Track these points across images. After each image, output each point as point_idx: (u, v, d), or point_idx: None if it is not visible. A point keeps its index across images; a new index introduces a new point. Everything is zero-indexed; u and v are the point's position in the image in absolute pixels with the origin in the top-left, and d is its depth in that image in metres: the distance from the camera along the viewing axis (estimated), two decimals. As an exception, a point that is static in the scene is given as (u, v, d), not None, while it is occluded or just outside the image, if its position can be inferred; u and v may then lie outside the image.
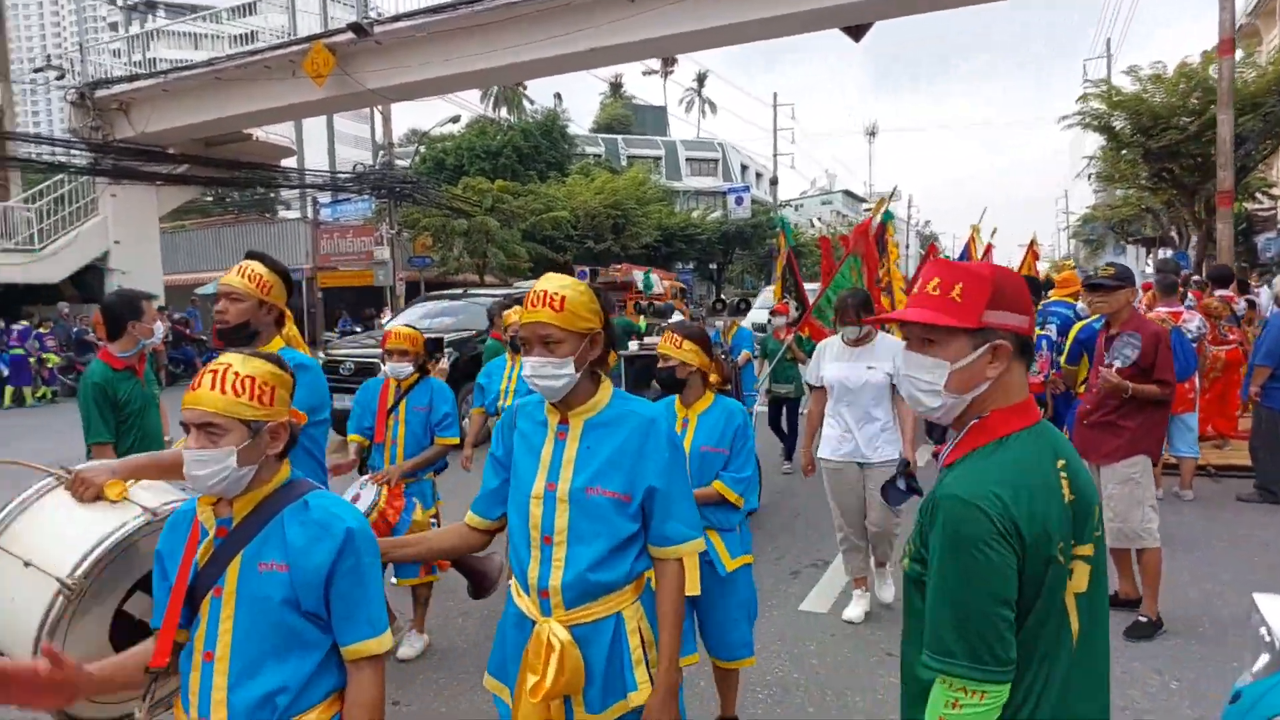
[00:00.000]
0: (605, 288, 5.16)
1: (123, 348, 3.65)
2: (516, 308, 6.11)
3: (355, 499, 3.86)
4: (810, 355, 6.09)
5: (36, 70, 23.15)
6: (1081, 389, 5.37)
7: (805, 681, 3.89)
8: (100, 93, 18.74)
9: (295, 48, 16.62)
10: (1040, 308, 6.83)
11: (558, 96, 56.13)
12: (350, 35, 15.75)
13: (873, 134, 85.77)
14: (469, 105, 40.22)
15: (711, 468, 3.16)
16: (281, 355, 2.14)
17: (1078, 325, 5.70)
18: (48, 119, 67.55)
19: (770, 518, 6.69)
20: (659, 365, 3.30)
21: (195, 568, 1.70)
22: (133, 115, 18.80)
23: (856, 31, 15.08)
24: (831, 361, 4.63)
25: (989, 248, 14.51)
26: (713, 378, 3.29)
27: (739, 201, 43.34)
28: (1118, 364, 4.32)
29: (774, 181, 52.36)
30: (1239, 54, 21.69)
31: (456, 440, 4.27)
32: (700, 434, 3.21)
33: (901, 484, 3.97)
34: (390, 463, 4.14)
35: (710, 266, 44.08)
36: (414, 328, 4.40)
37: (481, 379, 5.64)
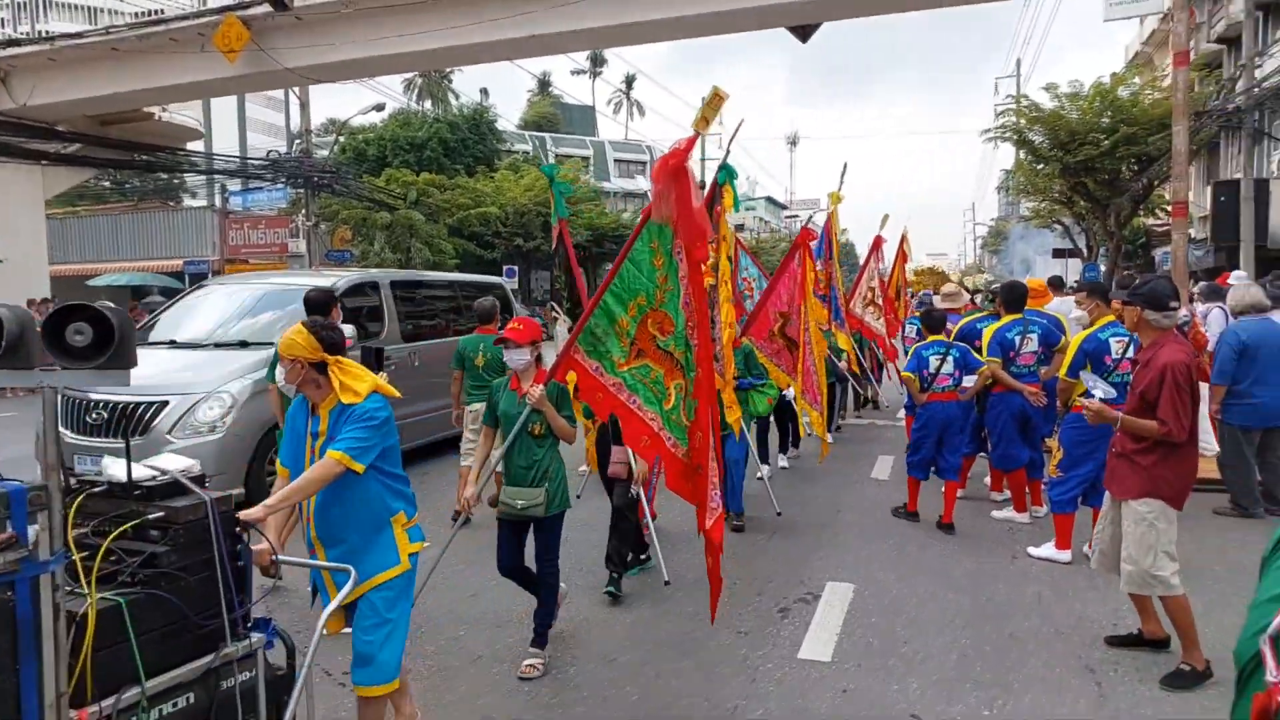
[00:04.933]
0: None
1: None
2: None
3: None
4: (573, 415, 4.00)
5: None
6: (1078, 402, 5.02)
7: (827, 756, 3.31)
8: (-25, 59, 16.88)
9: (205, 19, 15.27)
10: (1020, 317, 6.46)
11: (484, 91, 54.85)
12: (267, 8, 14.50)
13: (794, 143, 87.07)
14: (391, 95, 38.62)
15: None
16: None
17: (1082, 334, 5.32)
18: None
19: (739, 544, 6.12)
20: None
21: None
22: (12, 85, 16.99)
23: (804, 31, 14.77)
24: None
25: (878, 241, 12.31)
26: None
27: (668, 203, 42.93)
28: (1098, 394, 4.29)
29: (700, 186, 52.18)
30: (1137, 80, 22.54)
31: None
32: None
33: None
34: None
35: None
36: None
37: None
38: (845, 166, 9.83)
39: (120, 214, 30.46)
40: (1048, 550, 5.52)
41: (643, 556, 5.54)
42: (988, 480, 7.46)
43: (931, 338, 6.66)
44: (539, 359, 4.18)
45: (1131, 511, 3.95)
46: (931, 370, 6.45)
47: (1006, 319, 6.45)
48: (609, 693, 3.86)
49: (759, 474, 7.67)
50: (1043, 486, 6.75)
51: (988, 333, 6.45)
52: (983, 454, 7.43)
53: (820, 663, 4.13)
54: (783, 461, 8.69)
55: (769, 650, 4.28)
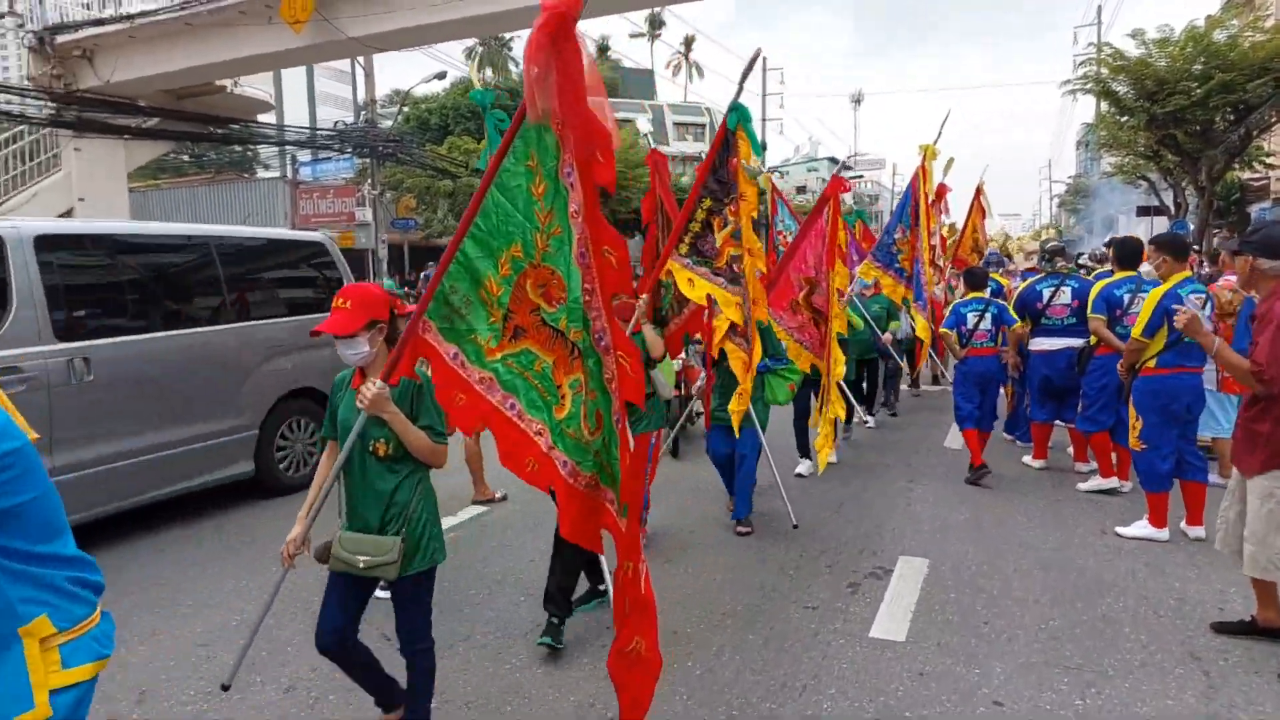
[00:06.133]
0: None
1: None
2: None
3: None
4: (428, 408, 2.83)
5: (-7, 14, 21.65)
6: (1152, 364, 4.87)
7: (904, 742, 3.12)
8: (61, 38, 17.46)
9: (271, -9, 15.40)
10: (1133, 275, 5.95)
11: (545, 57, 54.50)
12: (330, -23, 14.56)
13: (858, 101, 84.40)
14: (453, 64, 38.82)
15: None
16: None
17: (1159, 291, 4.90)
18: (3, 71, 64.81)
19: (804, 515, 5.91)
20: None
21: None
22: (97, 63, 17.55)
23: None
24: None
25: (941, 190, 10.95)
26: None
27: (732, 167, 42.17)
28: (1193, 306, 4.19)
29: (762, 146, 51.22)
30: (1235, 22, 20.85)
31: None
32: None
33: None
34: None
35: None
36: None
37: None
38: (948, 114, 8.85)
39: (198, 186, 31.41)
40: (1142, 529, 5.14)
41: (600, 587, 4.39)
42: (1070, 450, 7.06)
43: (971, 295, 6.97)
44: (391, 340, 2.87)
45: (1256, 487, 3.60)
46: (970, 326, 6.74)
47: (1118, 275, 5.94)
48: (671, 665, 3.72)
49: (797, 470, 6.93)
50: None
51: (1096, 288, 5.98)
52: (1059, 422, 7.00)
53: (894, 642, 3.92)
54: (870, 421, 8.84)
55: (840, 626, 4.10)
